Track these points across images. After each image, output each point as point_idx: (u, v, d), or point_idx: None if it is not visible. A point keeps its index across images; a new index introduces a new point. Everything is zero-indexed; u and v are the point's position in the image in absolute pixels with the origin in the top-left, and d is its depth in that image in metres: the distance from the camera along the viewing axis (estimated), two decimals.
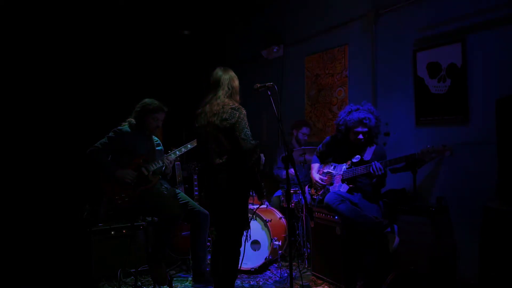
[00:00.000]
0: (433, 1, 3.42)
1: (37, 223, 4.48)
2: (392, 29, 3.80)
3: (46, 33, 4.75)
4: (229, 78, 2.73)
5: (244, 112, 2.60)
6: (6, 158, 4.50)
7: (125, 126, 3.20)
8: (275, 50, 5.22)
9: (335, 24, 4.44)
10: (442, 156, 2.80)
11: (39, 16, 4.67)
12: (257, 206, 3.86)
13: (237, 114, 2.55)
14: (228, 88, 2.70)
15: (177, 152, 3.33)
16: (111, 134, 3.12)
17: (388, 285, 2.46)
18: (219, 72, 2.76)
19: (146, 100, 3.22)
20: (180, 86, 5.77)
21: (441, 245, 2.81)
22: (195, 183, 3.98)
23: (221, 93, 2.68)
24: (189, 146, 3.35)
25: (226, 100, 2.65)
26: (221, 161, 2.59)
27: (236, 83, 2.77)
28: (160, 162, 3.22)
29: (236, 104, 2.63)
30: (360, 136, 3.16)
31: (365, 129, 3.13)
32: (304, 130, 4.46)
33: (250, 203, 3.81)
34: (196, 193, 3.96)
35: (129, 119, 3.25)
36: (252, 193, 3.96)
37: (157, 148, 3.39)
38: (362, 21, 4.09)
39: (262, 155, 2.71)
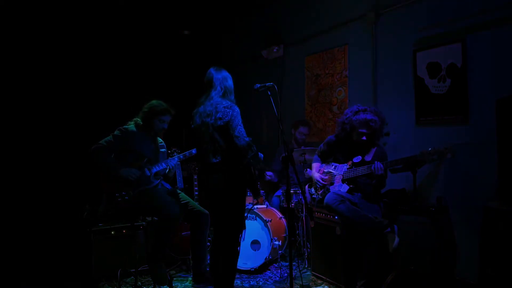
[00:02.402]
0: (433, 1, 3.42)
1: (37, 223, 4.48)
2: (392, 29, 3.80)
3: (49, 34, 4.76)
4: (221, 77, 2.75)
5: (238, 110, 2.62)
6: (7, 158, 4.50)
7: (131, 125, 3.20)
8: (275, 50, 5.22)
9: (335, 24, 4.44)
10: (444, 158, 2.79)
11: (40, 17, 4.67)
12: (254, 205, 3.85)
13: (230, 112, 2.58)
14: (221, 88, 2.72)
15: (181, 156, 3.34)
16: (116, 132, 3.12)
17: (388, 285, 2.46)
18: (212, 72, 2.77)
19: (154, 102, 3.23)
20: (180, 86, 5.76)
21: (441, 245, 2.81)
22: (195, 183, 3.98)
23: (213, 93, 2.70)
24: (193, 152, 3.34)
25: (219, 99, 2.66)
26: (216, 160, 2.60)
27: (230, 82, 2.78)
28: (163, 164, 3.23)
29: (229, 103, 2.65)
30: (364, 138, 3.17)
31: (370, 131, 3.14)
32: (301, 129, 4.46)
33: (250, 203, 3.80)
34: (196, 193, 3.96)
35: (135, 119, 3.24)
36: (249, 193, 3.95)
37: (160, 150, 3.39)
38: (362, 21, 4.08)
39: (261, 154, 2.71)
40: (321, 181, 3.36)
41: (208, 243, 3.54)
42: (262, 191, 4.08)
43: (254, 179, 2.67)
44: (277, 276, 3.61)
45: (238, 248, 2.72)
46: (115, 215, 3.66)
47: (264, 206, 4.02)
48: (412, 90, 3.58)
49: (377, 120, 3.13)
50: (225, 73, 2.79)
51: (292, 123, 4.59)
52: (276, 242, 3.66)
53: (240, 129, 2.54)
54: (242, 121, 2.59)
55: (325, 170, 3.42)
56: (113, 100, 4.96)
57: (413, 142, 3.53)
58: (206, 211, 3.24)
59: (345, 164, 3.27)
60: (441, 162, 3.26)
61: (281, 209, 4.14)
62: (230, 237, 2.67)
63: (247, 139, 2.53)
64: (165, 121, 3.24)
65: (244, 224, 2.79)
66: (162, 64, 5.81)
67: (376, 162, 3.00)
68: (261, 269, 3.73)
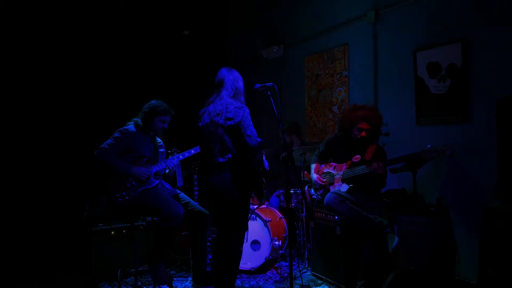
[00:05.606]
0: (433, 1, 3.43)
1: (38, 223, 4.49)
2: (392, 29, 3.80)
3: (49, 35, 4.77)
4: (233, 78, 2.75)
5: (248, 110, 2.63)
6: (7, 158, 4.50)
7: (130, 126, 3.20)
8: (275, 50, 5.22)
9: (335, 24, 4.44)
10: (443, 155, 2.80)
11: (40, 17, 4.68)
12: (257, 206, 3.86)
13: (241, 113, 2.58)
14: (232, 89, 2.72)
15: (180, 157, 3.34)
16: (116, 134, 3.11)
17: (388, 285, 2.46)
18: (223, 72, 2.77)
19: (154, 102, 3.22)
20: (180, 86, 5.77)
21: (441, 245, 2.81)
22: (195, 183, 3.98)
23: (224, 93, 2.70)
24: (192, 151, 3.33)
25: (230, 100, 2.67)
26: (224, 160, 2.60)
27: (241, 83, 2.79)
28: (163, 164, 3.23)
29: (240, 104, 2.65)
30: (363, 133, 3.17)
31: (369, 127, 3.15)
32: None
33: (254, 204, 3.80)
34: (196, 193, 3.96)
35: (135, 119, 3.24)
36: (253, 193, 3.95)
37: (159, 150, 3.39)
38: (362, 21, 4.09)
39: (267, 163, 2.72)
40: (320, 181, 3.36)
41: (208, 243, 3.54)
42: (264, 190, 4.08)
43: (261, 180, 2.67)
44: (277, 276, 3.61)
45: (241, 248, 2.72)
46: (115, 215, 3.66)
47: (264, 206, 4.02)
48: (412, 90, 3.58)
49: (376, 115, 3.16)
50: (237, 74, 2.79)
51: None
52: (276, 242, 3.66)
53: (252, 129, 2.55)
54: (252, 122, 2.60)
55: (324, 171, 3.41)
56: (113, 101, 4.97)
57: (413, 142, 3.52)
58: (206, 211, 3.24)
59: (344, 164, 3.27)
60: (441, 160, 3.26)
61: (280, 209, 4.14)
62: (234, 237, 2.67)
63: (258, 139, 2.54)
64: (165, 121, 3.24)
65: (247, 225, 2.79)
66: (162, 64, 5.81)
67: (375, 162, 3.01)
68: (261, 269, 3.72)
